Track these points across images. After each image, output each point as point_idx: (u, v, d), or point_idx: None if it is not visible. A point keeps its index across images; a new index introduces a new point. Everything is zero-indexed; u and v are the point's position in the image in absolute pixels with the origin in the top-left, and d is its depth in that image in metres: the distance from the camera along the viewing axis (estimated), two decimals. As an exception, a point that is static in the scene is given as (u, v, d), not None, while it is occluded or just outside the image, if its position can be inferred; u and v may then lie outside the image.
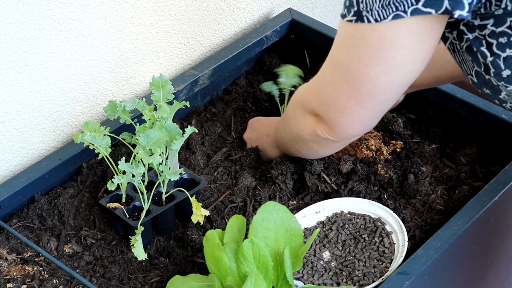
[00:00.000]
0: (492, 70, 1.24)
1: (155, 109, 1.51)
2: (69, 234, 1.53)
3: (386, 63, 1.22)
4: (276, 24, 1.89)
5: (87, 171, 1.61)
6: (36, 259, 1.48)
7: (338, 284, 1.44)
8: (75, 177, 1.62)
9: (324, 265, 1.47)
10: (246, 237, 1.40)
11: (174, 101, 1.53)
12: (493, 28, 1.20)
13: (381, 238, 1.50)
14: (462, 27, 1.23)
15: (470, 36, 1.23)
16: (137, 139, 1.44)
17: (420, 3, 1.14)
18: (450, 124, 1.73)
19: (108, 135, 1.48)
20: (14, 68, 1.50)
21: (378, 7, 1.15)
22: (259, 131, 1.67)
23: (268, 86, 1.73)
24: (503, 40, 1.20)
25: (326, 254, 1.49)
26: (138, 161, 1.44)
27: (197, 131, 1.50)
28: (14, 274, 1.45)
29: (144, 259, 1.44)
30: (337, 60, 1.29)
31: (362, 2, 1.18)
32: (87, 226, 1.55)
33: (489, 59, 1.23)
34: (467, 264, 1.61)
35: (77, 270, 1.46)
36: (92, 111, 1.69)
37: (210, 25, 1.83)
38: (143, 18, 1.68)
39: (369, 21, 1.18)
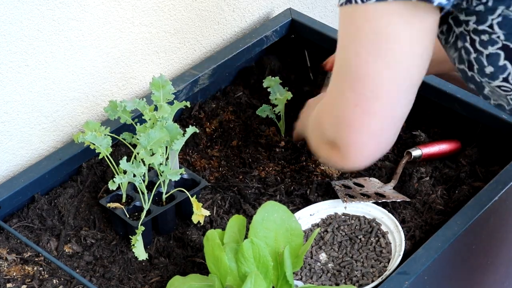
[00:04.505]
0: (476, 66, 1.23)
1: (156, 109, 1.51)
2: (69, 234, 1.53)
3: (384, 56, 1.17)
4: (276, 24, 1.89)
5: (87, 171, 1.61)
6: (36, 259, 1.48)
7: (338, 285, 1.44)
8: (75, 177, 1.62)
9: (322, 266, 1.47)
10: (246, 237, 1.40)
11: (174, 101, 1.53)
12: (475, 26, 1.19)
13: (377, 238, 1.50)
14: (450, 21, 1.22)
15: (457, 30, 1.22)
16: (137, 139, 1.45)
17: None
18: (450, 124, 1.73)
19: (108, 135, 1.48)
20: (14, 68, 1.50)
21: None
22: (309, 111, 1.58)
23: (262, 112, 1.70)
24: (484, 37, 1.19)
25: (323, 256, 1.49)
26: (139, 161, 1.44)
27: (198, 131, 1.50)
28: (14, 274, 1.45)
29: (144, 259, 1.44)
30: (339, 63, 1.23)
31: None
32: (87, 226, 1.54)
33: (473, 55, 1.22)
34: (467, 264, 1.61)
35: (77, 270, 1.46)
36: (92, 111, 1.69)
37: (210, 25, 1.83)
38: (143, 18, 1.68)
39: (356, 1, 1.14)
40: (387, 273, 1.42)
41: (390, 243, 1.49)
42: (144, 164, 1.45)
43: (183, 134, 1.48)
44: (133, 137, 1.53)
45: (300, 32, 1.90)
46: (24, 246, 1.50)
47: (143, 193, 1.48)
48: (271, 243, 1.40)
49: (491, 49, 1.20)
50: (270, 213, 1.41)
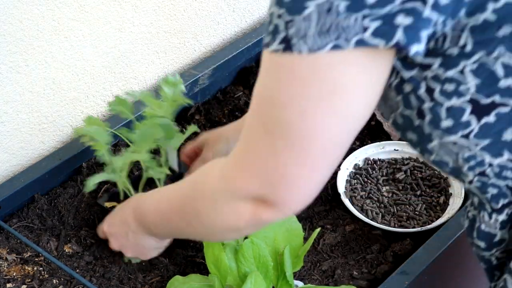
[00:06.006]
0: (429, 117, 1.03)
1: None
2: (69, 234, 1.53)
3: (337, 110, 0.97)
4: (276, 24, 1.88)
5: (87, 171, 1.61)
6: (36, 259, 1.48)
7: (336, 283, 1.44)
8: (75, 177, 1.62)
9: (379, 197, 1.55)
10: (246, 237, 1.40)
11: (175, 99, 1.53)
12: (439, 71, 0.99)
13: (439, 195, 1.56)
14: (397, 62, 1.00)
15: (405, 74, 1.01)
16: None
17: (368, 32, 0.91)
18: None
19: (109, 130, 1.48)
20: (14, 68, 1.50)
21: (314, 34, 0.92)
22: (119, 231, 1.41)
23: None
24: (450, 87, 0.99)
25: (386, 189, 1.57)
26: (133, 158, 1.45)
27: (198, 130, 1.50)
28: (14, 274, 1.45)
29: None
30: (272, 121, 1.00)
31: (292, 27, 0.92)
32: (87, 226, 1.54)
33: (427, 104, 1.02)
34: (467, 264, 1.61)
35: (77, 270, 1.46)
36: (92, 111, 1.69)
37: (210, 25, 1.83)
38: (143, 18, 1.68)
39: (300, 51, 0.93)
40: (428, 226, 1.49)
41: (448, 205, 1.55)
42: (138, 160, 1.45)
43: (183, 133, 1.48)
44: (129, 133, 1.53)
45: (300, 32, 1.90)
46: (24, 246, 1.50)
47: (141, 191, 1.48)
48: (271, 243, 1.40)
49: (455, 101, 1.00)
50: (270, 213, 1.41)
